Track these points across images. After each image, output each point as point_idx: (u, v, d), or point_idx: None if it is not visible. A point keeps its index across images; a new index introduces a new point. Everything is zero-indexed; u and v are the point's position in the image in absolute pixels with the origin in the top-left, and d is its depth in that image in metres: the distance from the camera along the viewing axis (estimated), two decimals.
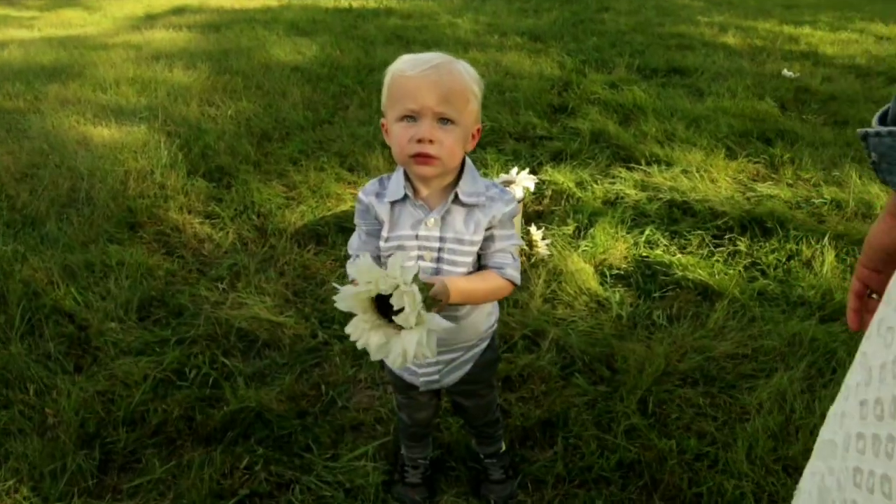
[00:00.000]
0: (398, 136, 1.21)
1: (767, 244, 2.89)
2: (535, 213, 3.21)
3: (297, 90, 4.63)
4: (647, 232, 3.00)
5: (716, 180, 3.46)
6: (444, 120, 1.18)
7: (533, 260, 2.76)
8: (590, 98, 4.66)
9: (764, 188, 3.41)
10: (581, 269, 2.68)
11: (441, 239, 1.28)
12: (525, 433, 1.94)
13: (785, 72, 5.59)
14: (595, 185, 3.44)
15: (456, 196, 1.26)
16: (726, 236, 2.97)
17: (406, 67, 1.17)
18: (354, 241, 1.37)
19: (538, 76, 5.17)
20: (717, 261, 2.78)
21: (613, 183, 3.47)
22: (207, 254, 2.79)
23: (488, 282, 1.30)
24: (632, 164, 3.68)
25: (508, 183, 2.70)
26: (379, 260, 1.34)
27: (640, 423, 1.92)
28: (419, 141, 1.17)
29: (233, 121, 4.11)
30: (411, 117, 1.18)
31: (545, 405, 2.02)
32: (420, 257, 1.30)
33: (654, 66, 5.53)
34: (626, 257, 2.84)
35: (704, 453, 1.83)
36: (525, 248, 2.77)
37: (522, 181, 2.68)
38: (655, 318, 2.47)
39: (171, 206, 3.10)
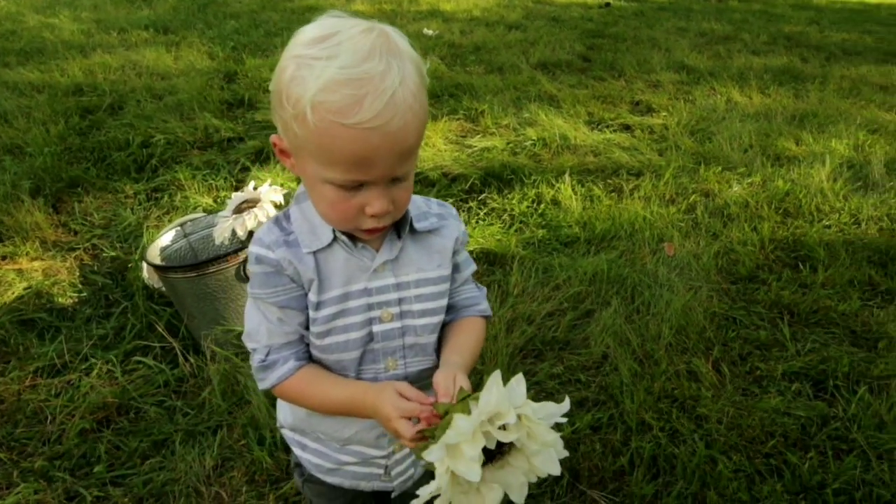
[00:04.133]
0: (333, 202, 0.76)
1: (513, 195, 2.96)
2: None
3: None
4: None
5: (435, 144, 3.42)
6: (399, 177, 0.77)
7: None
8: (265, 86, 4.18)
9: (477, 142, 3.49)
10: None
11: (399, 286, 0.87)
12: None
13: (425, 31, 5.88)
14: None
15: (410, 224, 0.86)
16: (475, 198, 2.95)
17: (345, 106, 0.67)
18: (261, 326, 0.86)
19: (192, 72, 4.45)
20: (483, 223, 2.74)
21: None
22: None
23: (476, 332, 0.95)
24: None
25: (253, 203, 2.18)
26: (303, 342, 0.88)
27: None
28: (373, 216, 0.76)
29: None
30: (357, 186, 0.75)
31: None
32: (374, 320, 0.86)
33: None
34: None
35: (598, 422, 1.75)
36: None
37: (269, 196, 2.18)
38: None
39: None
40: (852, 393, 1.84)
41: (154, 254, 2.09)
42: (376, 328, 0.87)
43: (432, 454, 0.66)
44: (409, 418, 0.75)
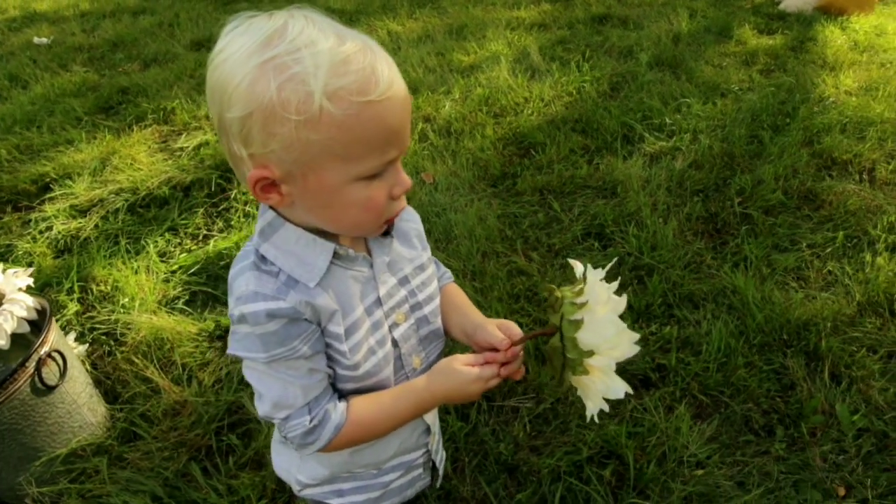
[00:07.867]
0: (365, 202, 0.69)
1: None
2: None
3: None
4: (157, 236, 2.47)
5: (139, 160, 3.01)
6: None
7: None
8: None
9: (185, 141, 3.17)
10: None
11: (402, 283, 0.84)
12: None
13: (36, 40, 4.96)
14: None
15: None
16: (226, 198, 2.73)
17: (363, 82, 0.62)
18: (289, 389, 0.75)
19: None
20: (251, 221, 2.57)
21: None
22: None
23: (463, 294, 0.97)
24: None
25: None
26: (332, 388, 0.81)
27: None
28: (400, 195, 0.72)
29: None
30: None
31: None
32: (392, 326, 0.83)
33: None
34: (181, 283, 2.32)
35: None
36: None
37: (13, 284, 1.72)
38: None
39: None
40: (625, 232, 2.29)
41: None
42: (396, 333, 0.83)
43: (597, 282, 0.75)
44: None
